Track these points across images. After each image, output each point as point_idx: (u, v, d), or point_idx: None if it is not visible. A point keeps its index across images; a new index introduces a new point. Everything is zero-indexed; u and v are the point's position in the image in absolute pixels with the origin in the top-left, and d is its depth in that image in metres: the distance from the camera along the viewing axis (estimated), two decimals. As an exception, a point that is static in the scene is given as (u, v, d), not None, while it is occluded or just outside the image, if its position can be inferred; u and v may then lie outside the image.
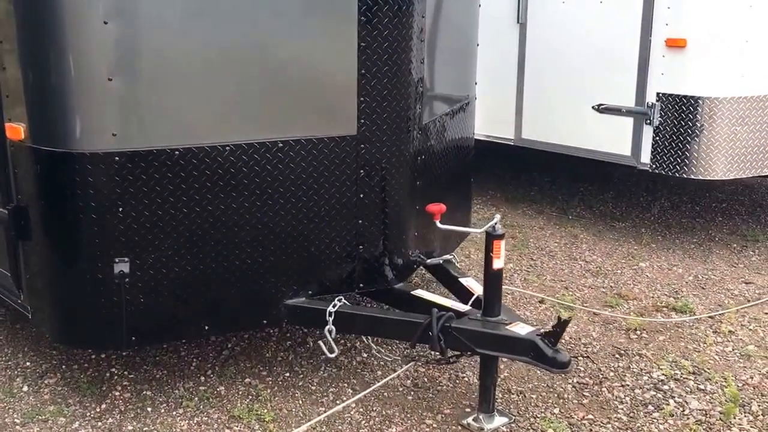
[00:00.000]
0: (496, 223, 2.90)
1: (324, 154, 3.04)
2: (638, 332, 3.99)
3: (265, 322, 3.16)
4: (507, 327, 2.89)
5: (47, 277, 2.97)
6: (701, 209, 6.21)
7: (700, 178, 4.98)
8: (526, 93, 5.80)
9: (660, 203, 6.33)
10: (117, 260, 2.84)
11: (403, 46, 3.06)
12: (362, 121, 3.05)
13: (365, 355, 3.68)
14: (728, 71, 4.76)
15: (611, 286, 4.65)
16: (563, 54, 5.44)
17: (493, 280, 2.93)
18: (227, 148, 2.89)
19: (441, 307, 3.04)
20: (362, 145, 3.08)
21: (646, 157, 5.12)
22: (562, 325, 2.77)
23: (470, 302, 3.21)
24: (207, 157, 2.87)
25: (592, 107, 5.31)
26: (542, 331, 2.83)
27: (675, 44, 4.81)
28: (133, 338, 2.94)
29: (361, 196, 3.14)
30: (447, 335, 2.92)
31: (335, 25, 2.94)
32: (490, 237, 2.89)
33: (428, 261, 3.60)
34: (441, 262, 3.59)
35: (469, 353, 3.00)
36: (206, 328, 3.06)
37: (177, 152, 2.82)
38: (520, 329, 2.87)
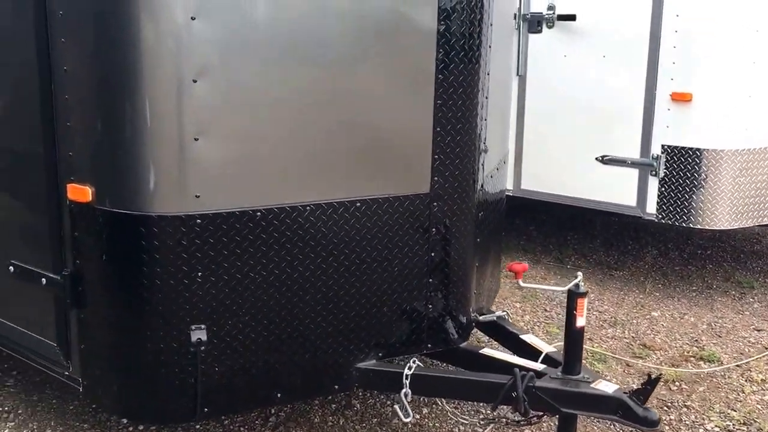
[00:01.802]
0: (579, 281, 2.88)
1: (399, 212, 2.97)
2: (677, 383, 4.02)
3: (336, 387, 3.03)
4: (591, 385, 2.86)
5: (112, 348, 2.78)
6: (688, 256, 6.38)
7: (706, 227, 5.12)
8: (525, 144, 5.89)
9: (650, 252, 6.47)
10: (194, 327, 2.68)
11: (473, 103, 3.05)
12: (435, 178, 3.01)
13: (418, 416, 3.58)
14: (732, 125, 4.95)
15: (633, 336, 4.69)
16: (565, 106, 5.55)
17: (575, 337, 2.90)
18: (307, 207, 2.80)
19: (518, 367, 2.98)
20: (435, 203, 3.03)
21: (651, 207, 5.24)
22: (652, 383, 2.76)
23: (540, 360, 3.16)
24: (288, 217, 2.77)
25: (596, 158, 5.42)
26: (630, 389, 2.81)
27: (680, 98, 4.98)
28: (206, 409, 2.77)
29: (432, 254, 3.08)
30: (530, 395, 2.86)
31: (413, 83, 2.91)
32: (574, 295, 2.87)
33: (481, 318, 3.55)
34: (495, 318, 3.54)
35: (551, 413, 2.95)
36: (279, 395, 2.91)
37: (259, 213, 2.71)
38: (606, 387, 2.84)
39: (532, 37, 5.72)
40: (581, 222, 7.08)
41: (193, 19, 2.49)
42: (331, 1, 2.72)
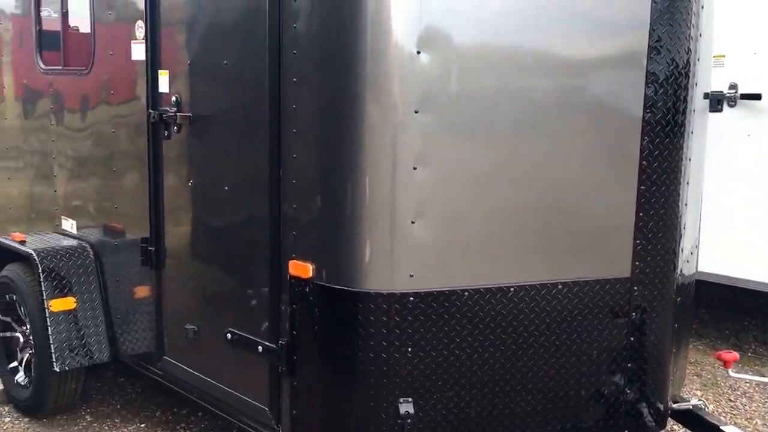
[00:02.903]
0: (795, 374, 2.76)
1: (599, 295, 3.00)
2: None
3: (532, 468, 3.04)
4: (811, 487, 2.70)
5: (322, 415, 2.95)
6: None
7: None
8: (703, 226, 5.70)
9: (842, 341, 6.02)
10: (402, 400, 2.80)
11: (675, 189, 3.07)
12: (637, 263, 3.03)
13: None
14: None
15: (834, 434, 4.36)
16: (749, 187, 5.37)
17: (791, 434, 2.76)
18: (511, 289, 2.89)
19: (726, 460, 2.88)
20: (635, 287, 3.04)
21: None
22: None
23: (747, 455, 3.02)
24: (492, 298, 2.87)
25: (783, 241, 5.18)
26: None
27: None
28: (409, 481, 2.86)
29: (632, 339, 3.07)
30: (741, 493, 2.74)
31: (617, 168, 2.98)
32: (790, 388, 2.74)
33: (675, 406, 3.45)
34: (691, 407, 3.43)
35: None
36: (476, 473, 2.96)
37: (466, 293, 2.83)
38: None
39: (711, 116, 5.60)
40: (758, 307, 6.69)
41: (416, 112, 2.70)
42: (538, 95, 2.86)
